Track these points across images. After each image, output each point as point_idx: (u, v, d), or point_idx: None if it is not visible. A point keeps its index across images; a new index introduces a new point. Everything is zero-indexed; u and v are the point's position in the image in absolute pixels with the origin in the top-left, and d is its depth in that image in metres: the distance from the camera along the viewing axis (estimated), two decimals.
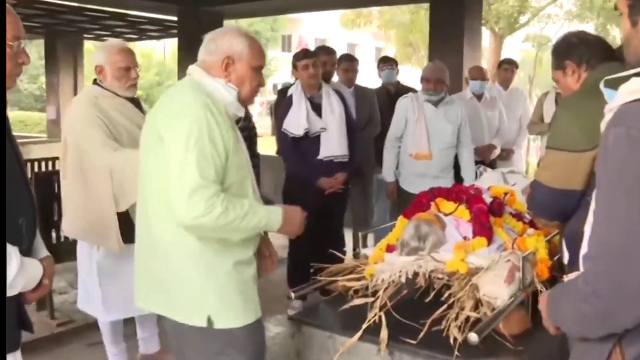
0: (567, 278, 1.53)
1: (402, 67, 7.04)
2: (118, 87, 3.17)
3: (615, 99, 1.28)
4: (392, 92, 5.79)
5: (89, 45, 15.29)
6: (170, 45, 26.76)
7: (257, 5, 9.67)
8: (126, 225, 2.98)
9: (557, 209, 2.22)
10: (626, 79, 1.29)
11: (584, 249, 1.37)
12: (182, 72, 10.33)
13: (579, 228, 2.01)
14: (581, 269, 1.34)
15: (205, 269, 2.11)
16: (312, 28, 31.30)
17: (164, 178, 2.03)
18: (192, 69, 2.19)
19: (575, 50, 2.36)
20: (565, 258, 2.28)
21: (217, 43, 2.16)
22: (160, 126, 2.06)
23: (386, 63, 6.17)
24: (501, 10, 19.36)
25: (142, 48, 25.78)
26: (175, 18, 10.50)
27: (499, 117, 5.80)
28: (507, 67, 6.43)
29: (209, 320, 2.09)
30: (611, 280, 1.21)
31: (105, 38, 12.66)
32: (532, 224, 2.87)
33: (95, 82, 3.22)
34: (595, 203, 1.28)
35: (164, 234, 2.10)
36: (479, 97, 5.69)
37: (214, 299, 2.11)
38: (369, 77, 6.18)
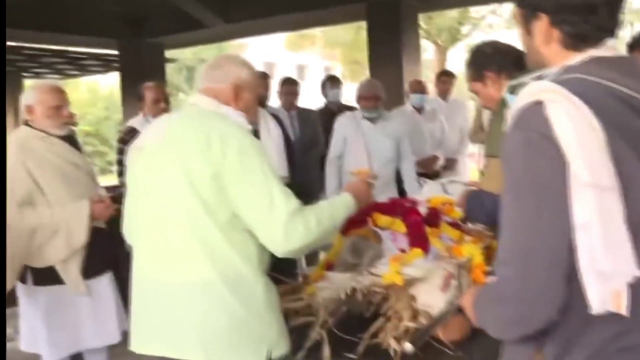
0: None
1: (350, 85, 7.14)
2: (50, 126, 3.16)
3: (516, 103, 1.29)
4: (336, 111, 5.88)
5: (30, 83, 15.09)
6: (116, 79, 26.60)
7: (198, 35, 9.72)
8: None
9: None
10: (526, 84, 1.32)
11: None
12: (126, 104, 10.34)
13: None
14: None
15: (268, 302, 2.05)
16: (258, 52, 31.46)
17: (220, 217, 1.95)
18: (200, 99, 2.15)
19: (493, 60, 2.43)
20: None
21: (225, 71, 2.17)
22: (210, 162, 1.93)
23: (331, 82, 6.27)
24: (442, 23, 19.83)
25: (88, 82, 25.54)
26: (116, 52, 10.47)
27: (441, 128, 5.94)
28: (445, 79, 6.58)
29: (268, 353, 2.03)
30: (519, 286, 1.24)
31: (46, 76, 12.53)
32: (470, 232, 2.95)
33: (26, 123, 3.21)
34: (503, 209, 1.29)
35: (208, 275, 1.97)
36: (420, 110, 5.81)
37: (274, 330, 2.07)
38: (320, 97, 6.31)
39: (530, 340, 1.31)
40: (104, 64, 11.67)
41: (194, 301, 1.99)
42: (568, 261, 1.20)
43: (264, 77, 5.09)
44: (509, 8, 20.45)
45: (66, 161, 3.17)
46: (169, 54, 11.01)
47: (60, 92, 3.22)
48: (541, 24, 1.33)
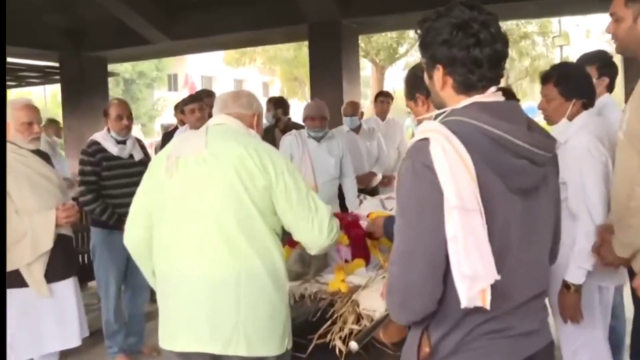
0: None
1: (288, 101, 7.29)
2: (21, 140, 3.33)
3: (413, 138, 1.62)
4: (282, 129, 6.07)
5: None
6: (49, 90, 26.02)
7: (140, 50, 9.77)
8: None
9: None
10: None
11: None
12: (67, 116, 10.21)
13: None
14: None
15: (285, 296, 2.35)
16: (197, 66, 31.36)
17: (265, 220, 2.24)
18: (228, 119, 2.42)
19: (423, 84, 2.68)
20: None
21: (250, 101, 2.50)
22: (262, 176, 2.22)
23: (277, 104, 6.45)
24: (380, 43, 20.33)
25: (19, 93, 24.92)
26: (56, 64, 10.39)
27: (378, 146, 6.23)
28: (382, 100, 6.83)
29: (287, 344, 2.32)
30: (402, 280, 1.54)
31: None
32: None
33: None
34: (395, 219, 1.60)
35: (255, 267, 2.21)
36: (357, 129, 6.09)
37: (289, 322, 2.34)
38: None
39: (420, 325, 1.61)
40: (43, 76, 11.51)
41: (241, 294, 2.20)
42: (443, 264, 1.49)
43: (211, 96, 5.27)
44: None
45: (36, 173, 3.33)
46: (109, 67, 11.01)
47: (32, 110, 3.40)
48: (439, 73, 1.64)
